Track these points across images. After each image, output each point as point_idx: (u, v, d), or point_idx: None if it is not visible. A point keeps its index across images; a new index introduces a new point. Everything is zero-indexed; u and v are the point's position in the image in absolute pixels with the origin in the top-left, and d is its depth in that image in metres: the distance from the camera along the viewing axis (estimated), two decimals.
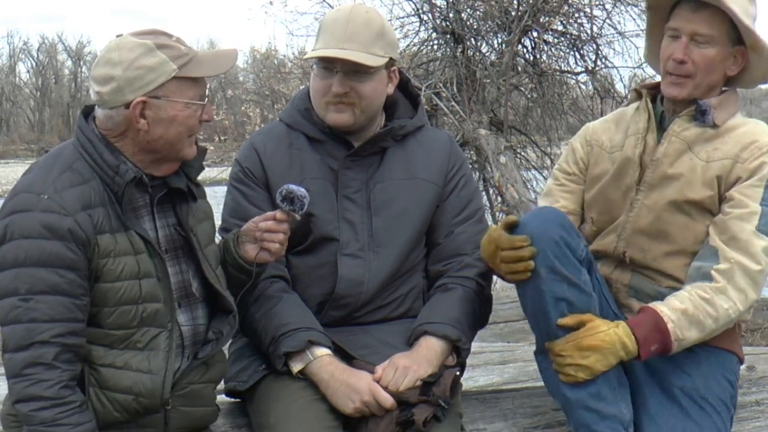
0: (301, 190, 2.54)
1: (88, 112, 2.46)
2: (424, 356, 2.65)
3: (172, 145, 2.40)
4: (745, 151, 2.69)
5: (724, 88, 2.80)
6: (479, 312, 2.82)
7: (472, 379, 3.13)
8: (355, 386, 2.57)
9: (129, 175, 2.35)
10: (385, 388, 2.56)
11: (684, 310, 2.59)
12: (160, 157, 2.42)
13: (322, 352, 2.65)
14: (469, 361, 2.90)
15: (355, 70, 2.71)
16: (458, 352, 2.73)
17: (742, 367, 3.07)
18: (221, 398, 2.78)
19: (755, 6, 2.74)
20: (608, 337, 2.56)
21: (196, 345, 2.52)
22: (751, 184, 2.66)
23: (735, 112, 2.77)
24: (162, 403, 2.42)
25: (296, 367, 2.65)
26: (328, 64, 2.72)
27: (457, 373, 2.64)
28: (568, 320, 2.59)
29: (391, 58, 2.78)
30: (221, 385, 2.74)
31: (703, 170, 2.71)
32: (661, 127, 2.82)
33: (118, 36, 2.41)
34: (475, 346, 3.07)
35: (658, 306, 2.62)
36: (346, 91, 2.72)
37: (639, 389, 2.74)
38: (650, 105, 2.82)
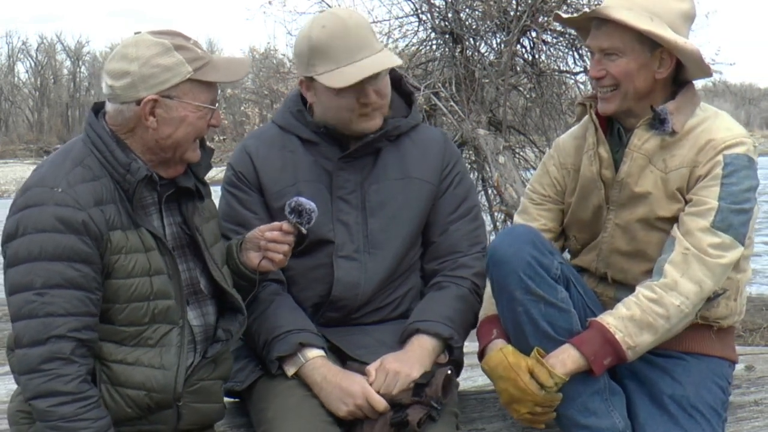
0: (310, 204, 2.54)
1: (98, 108, 2.47)
2: (416, 356, 2.64)
3: (179, 145, 2.41)
4: (700, 154, 2.64)
5: (677, 86, 2.74)
6: (473, 310, 2.81)
7: (470, 379, 3.13)
8: (347, 389, 2.57)
9: (141, 173, 2.36)
10: (378, 392, 2.57)
11: (631, 317, 2.56)
12: (166, 158, 2.43)
13: (314, 354, 2.65)
14: (467, 360, 2.90)
15: (374, 75, 2.68)
16: (450, 350, 2.73)
17: (741, 366, 3.07)
18: None
19: (685, 1, 2.69)
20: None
21: (206, 342, 2.54)
22: (706, 184, 2.62)
23: (693, 111, 2.71)
24: (175, 398, 2.44)
25: (290, 370, 2.66)
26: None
27: (449, 371, 2.62)
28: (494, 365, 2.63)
29: None
30: None
31: (664, 183, 2.68)
32: (618, 134, 2.77)
33: (136, 33, 2.42)
34: (474, 345, 3.06)
35: (604, 318, 2.59)
36: (376, 97, 2.72)
37: (629, 397, 2.73)
38: (595, 118, 2.76)
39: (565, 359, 2.56)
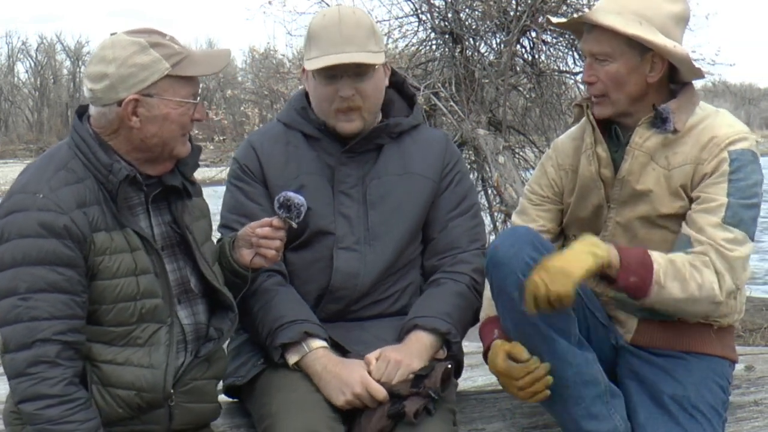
0: (299, 198, 2.55)
1: (82, 111, 2.48)
2: (415, 350, 2.66)
3: (166, 143, 2.42)
4: (704, 151, 2.64)
5: (675, 86, 2.74)
6: (471, 306, 2.82)
7: (470, 379, 3.13)
8: (347, 379, 2.59)
9: (122, 173, 2.37)
10: (378, 381, 2.58)
11: (672, 261, 2.55)
12: (154, 155, 2.44)
13: (318, 344, 2.67)
14: (467, 360, 2.90)
15: (358, 73, 2.73)
16: (449, 345, 2.74)
17: (741, 366, 3.07)
18: (221, 397, 2.79)
19: (678, 3, 2.68)
20: (576, 246, 2.52)
21: (198, 341, 2.54)
22: (714, 181, 2.62)
23: (693, 110, 2.70)
24: (165, 397, 2.44)
25: (292, 359, 2.67)
26: (331, 70, 2.73)
27: (449, 366, 2.64)
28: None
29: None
30: (220, 385, 2.75)
31: (667, 180, 2.68)
32: (615, 134, 2.77)
33: (112, 34, 2.43)
34: (473, 346, 3.07)
35: (649, 250, 2.58)
36: (353, 93, 2.73)
37: (629, 398, 2.73)
38: (592, 118, 2.75)
39: (603, 246, 2.54)
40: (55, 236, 2.30)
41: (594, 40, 2.67)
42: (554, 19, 2.89)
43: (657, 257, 2.56)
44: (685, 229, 2.64)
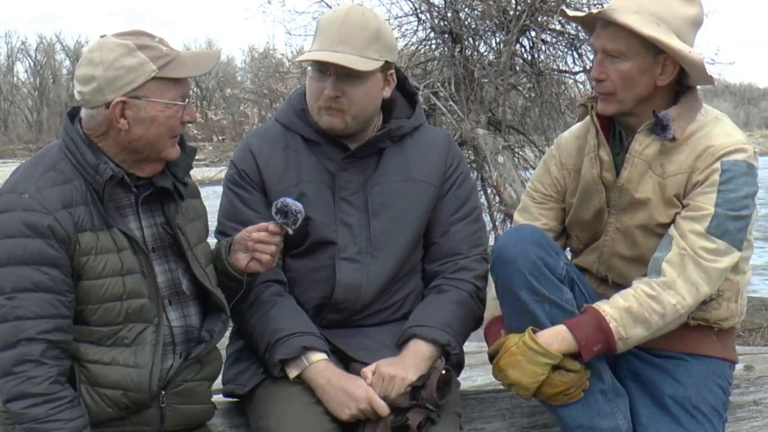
0: (297, 205, 2.53)
1: (74, 113, 2.49)
2: (411, 362, 2.63)
3: (154, 145, 2.42)
4: (698, 160, 2.62)
5: (680, 88, 2.71)
6: (473, 315, 2.80)
7: (470, 379, 3.13)
8: (351, 393, 2.57)
9: (107, 173, 2.37)
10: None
11: (628, 308, 2.56)
12: (143, 157, 2.44)
13: (318, 357, 2.64)
14: (467, 360, 2.89)
15: (347, 74, 2.67)
16: (447, 356, 2.71)
17: (740, 366, 3.07)
18: (219, 398, 2.78)
19: (694, 7, 2.65)
20: (516, 348, 2.55)
21: (189, 343, 2.53)
22: (703, 190, 2.61)
23: (694, 117, 2.67)
24: (151, 397, 2.44)
25: (292, 372, 2.64)
26: (321, 66, 2.69)
27: (443, 371, 2.60)
28: (492, 350, 2.63)
29: (387, 62, 2.73)
30: (219, 384, 2.74)
31: (662, 188, 2.66)
32: (619, 136, 2.76)
33: (101, 37, 2.44)
34: (473, 345, 3.07)
35: (601, 306, 2.59)
36: (338, 95, 2.68)
37: (630, 399, 2.73)
38: (596, 120, 2.73)
39: (556, 339, 2.56)
40: (40, 236, 2.31)
41: (609, 37, 2.63)
42: (571, 13, 2.84)
43: (611, 312, 2.56)
44: (672, 230, 2.63)
